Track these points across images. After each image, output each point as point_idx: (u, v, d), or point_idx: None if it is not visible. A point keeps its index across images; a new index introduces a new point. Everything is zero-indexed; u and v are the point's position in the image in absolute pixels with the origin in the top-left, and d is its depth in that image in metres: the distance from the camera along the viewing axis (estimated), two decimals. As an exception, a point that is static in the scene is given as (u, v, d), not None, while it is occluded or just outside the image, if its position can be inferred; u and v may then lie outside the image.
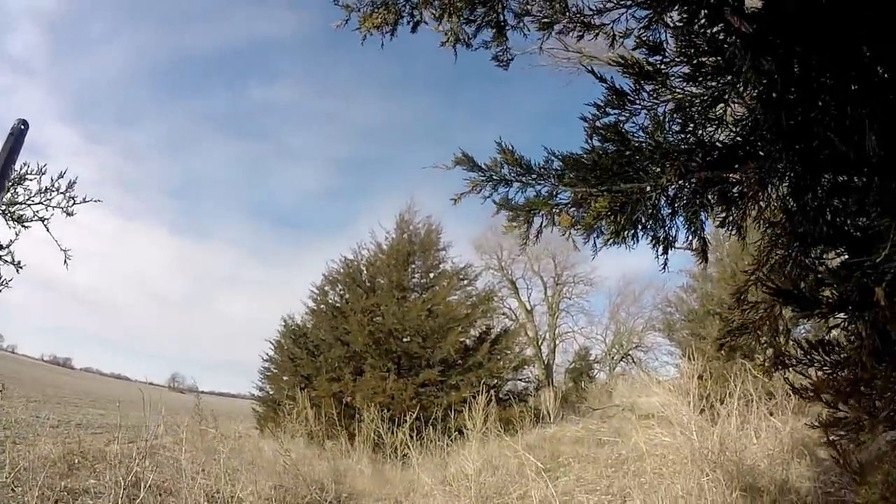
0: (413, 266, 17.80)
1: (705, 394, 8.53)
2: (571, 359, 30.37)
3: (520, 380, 18.84)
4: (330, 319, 17.05)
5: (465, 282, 18.16)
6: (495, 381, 16.37)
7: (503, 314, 27.15)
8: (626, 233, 2.87)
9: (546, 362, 29.32)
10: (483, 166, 2.90)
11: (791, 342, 3.06)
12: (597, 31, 3.02)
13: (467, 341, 16.99)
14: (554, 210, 2.83)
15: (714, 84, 2.48)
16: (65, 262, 4.50)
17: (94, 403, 25.38)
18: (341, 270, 18.13)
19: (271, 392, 17.68)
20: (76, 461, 7.72)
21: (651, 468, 7.59)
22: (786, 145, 2.53)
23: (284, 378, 17.20)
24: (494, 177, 2.89)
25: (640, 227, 2.99)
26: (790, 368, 3.00)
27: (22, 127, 1.45)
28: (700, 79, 2.48)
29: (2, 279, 4.21)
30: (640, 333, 31.26)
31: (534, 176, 2.84)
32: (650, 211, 2.89)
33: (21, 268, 4.30)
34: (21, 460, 6.24)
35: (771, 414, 8.12)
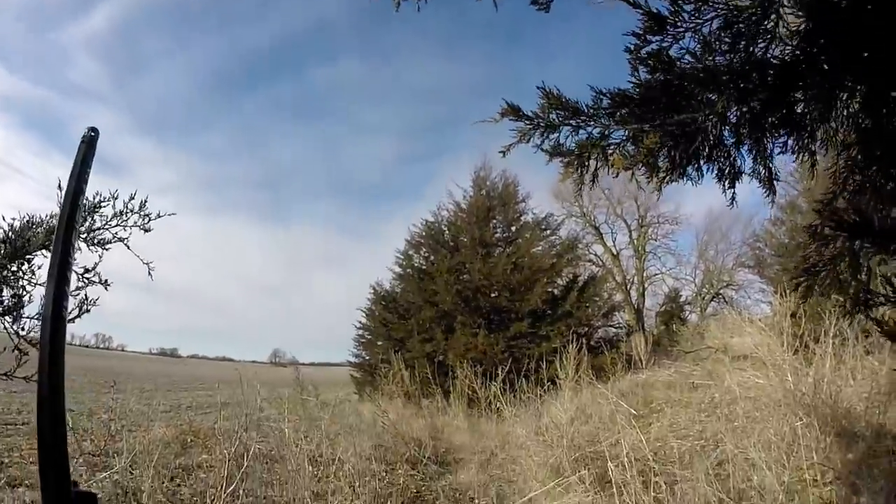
0: (494, 221, 17.81)
1: (799, 332, 8.18)
2: (661, 301, 29.78)
3: (610, 326, 18.79)
4: (417, 282, 17.38)
5: (548, 232, 18.10)
6: (585, 328, 16.35)
7: (589, 261, 26.70)
8: (683, 167, 2.74)
9: (636, 307, 28.93)
10: (530, 114, 2.83)
11: (880, 278, 2.84)
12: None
13: (555, 291, 16.99)
14: (607, 151, 2.72)
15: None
16: (149, 273, 4.80)
17: (202, 386, 27.03)
18: (424, 233, 18.39)
19: (367, 358, 18.27)
20: (188, 440, 8.27)
21: (744, 412, 7.44)
22: (848, 55, 2.34)
23: (378, 343, 17.72)
24: (542, 123, 2.81)
25: (702, 159, 2.85)
26: (875, 308, 2.79)
27: (92, 134, 1.48)
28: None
29: (89, 299, 4.57)
30: (731, 271, 30.50)
31: (583, 118, 2.73)
32: (712, 141, 2.74)
33: (108, 286, 4.63)
34: (137, 445, 6.71)
35: (868, 353, 7.69)
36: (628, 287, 29.73)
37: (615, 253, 31.24)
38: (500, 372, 11.27)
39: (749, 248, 21.63)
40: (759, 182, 2.95)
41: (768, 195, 2.98)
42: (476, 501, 6.92)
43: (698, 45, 2.43)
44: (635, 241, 31.41)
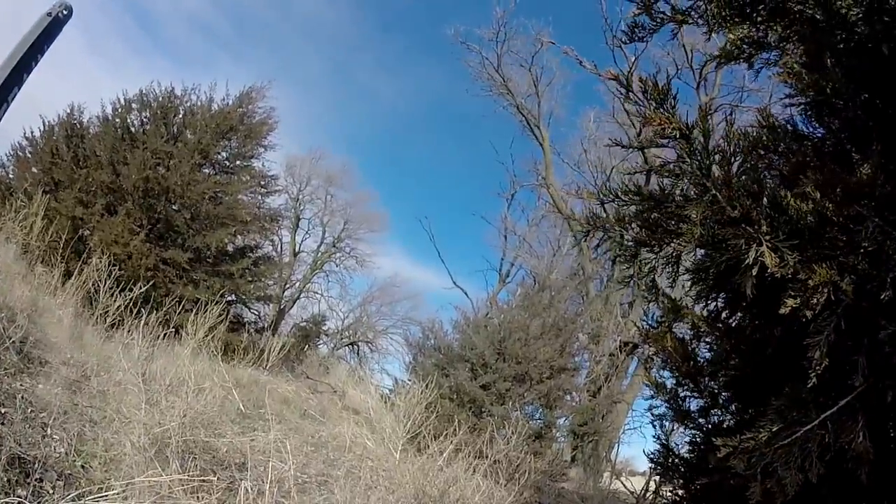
0: (228, 143, 15.99)
1: (426, 423, 8.62)
2: (305, 318, 29.85)
3: (253, 310, 17.99)
4: (116, 139, 14.36)
5: (264, 190, 16.81)
6: (234, 299, 15.35)
7: (271, 241, 25.94)
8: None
9: (281, 307, 28.61)
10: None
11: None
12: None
13: (230, 247, 15.73)
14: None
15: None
16: None
17: None
18: (160, 98, 15.45)
19: (11, 176, 14.37)
20: None
21: (351, 464, 7.52)
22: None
23: (33, 169, 13.98)
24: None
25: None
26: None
27: (65, 13, 0.87)
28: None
29: None
30: (378, 333, 32.27)
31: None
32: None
33: None
34: None
35: (480, 476, 8.33)
36: (286, 286, 29.42)
37: (297, 251, 31.24)
38: (135, 288, 9.70)
39: (421, 329, 23.03)
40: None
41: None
42: (50, 429, 5.37)
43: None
44: (320, 254, 31.68)
